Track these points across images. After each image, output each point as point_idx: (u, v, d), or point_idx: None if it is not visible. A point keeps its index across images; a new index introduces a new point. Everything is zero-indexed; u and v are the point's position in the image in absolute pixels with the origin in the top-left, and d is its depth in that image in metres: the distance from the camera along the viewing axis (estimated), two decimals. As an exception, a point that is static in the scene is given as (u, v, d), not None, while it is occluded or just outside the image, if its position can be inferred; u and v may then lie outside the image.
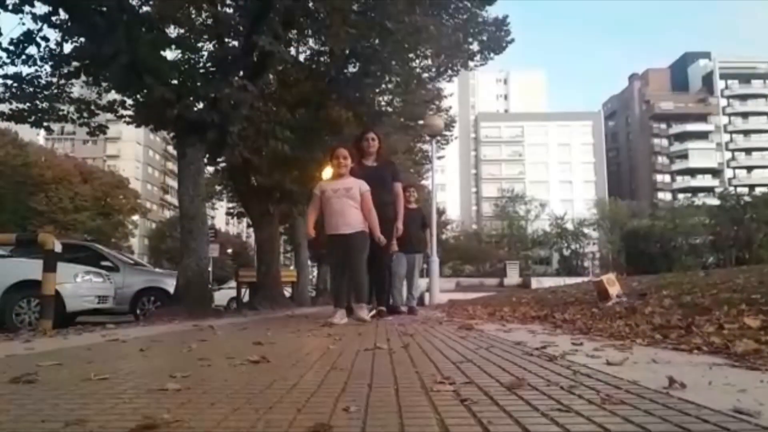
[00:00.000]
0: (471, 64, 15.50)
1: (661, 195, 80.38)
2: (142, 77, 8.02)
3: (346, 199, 4.99)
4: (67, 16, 8.62)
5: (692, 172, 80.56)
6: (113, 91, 10.24)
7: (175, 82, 8.83)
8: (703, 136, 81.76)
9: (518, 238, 66.29)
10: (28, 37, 9.09)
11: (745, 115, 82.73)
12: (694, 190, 74.63)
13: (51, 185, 40.20)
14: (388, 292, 6.30)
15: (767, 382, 1.53)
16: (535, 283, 37.42)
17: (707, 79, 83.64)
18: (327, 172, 5.62)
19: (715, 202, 56.02)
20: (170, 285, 9.60)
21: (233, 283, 17.80)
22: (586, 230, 63.68)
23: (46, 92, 9.85)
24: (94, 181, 44.67)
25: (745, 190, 63.31)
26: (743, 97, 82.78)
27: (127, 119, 10.97)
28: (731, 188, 64.41)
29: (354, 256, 5.00)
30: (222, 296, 18.40)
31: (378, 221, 5.15)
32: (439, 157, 22.56)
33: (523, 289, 24.63)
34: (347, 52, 11.27)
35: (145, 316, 9.23)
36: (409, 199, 7.07)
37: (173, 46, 9.86)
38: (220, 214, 35.70)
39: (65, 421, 1.18)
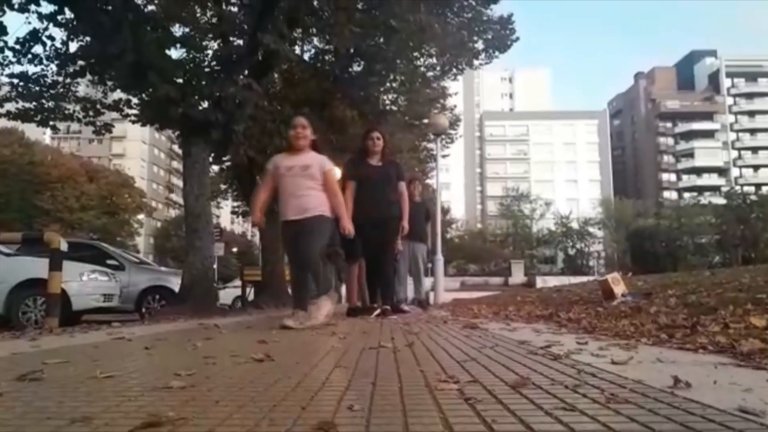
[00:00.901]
0: (476, 62, 15.47)
1: (666, 194, 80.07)
2: (147, 76, 8.05)
3: (301, 179, 4.13)
4: (72, 15, 8.67)
5: (698, 171, 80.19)
6: (119, 90, 10.30)
7: (180, 80, 8.87)
8: (709, 134, 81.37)
9: (523, 237, 66.18)
10: (34, 37, 9.15)
11: (751, 113, 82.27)
12: (700, 189, 74.30)
13: (57, 184, 40.43)
14: (392, 291, 6.30)
15: (773, 382, 1.52)
16: (540, 282, 37.36)
17: (713, 78, 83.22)
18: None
19: (721, 201, 55.75)
20: (175, 284, 9.63)
21: (238, 282, 17.80)
22: (591, 229, 63.49)
23: (52, 91, 9.91)
24: (99, 179, 44.92)
25: (752, 189, 63.05)
26: (750, 96, 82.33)
27: (133, 118, 11.02)
28: (737, 187, 64.04)
29: (304, 239, 4.08)
30: (227, 295, 18.38)
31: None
32: (444, 156, 22.50)
33: (528, 288, 24.55)
34: (352, 50, 11.29)
35: (150, 314, 9.26)
36: (413, 192, 7.11)
37: (178, 45, 9.90)
38: (225, 213, 35.74)
39: (71, 418, 1.19)
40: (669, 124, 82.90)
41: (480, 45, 14.61)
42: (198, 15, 11.45)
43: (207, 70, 10.12)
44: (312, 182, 4.14)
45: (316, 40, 13.02)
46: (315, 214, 4.11)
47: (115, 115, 11.23)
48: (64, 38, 9.42)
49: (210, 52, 11.18)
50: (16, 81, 9.68)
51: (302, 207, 4.11)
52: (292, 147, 4.26)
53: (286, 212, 4.19)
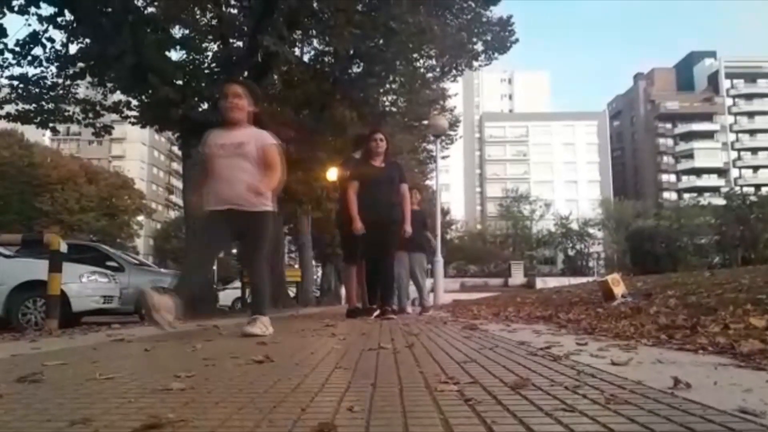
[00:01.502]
0: (475, 64, 15.51)
1: (666, 195, 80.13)
2: (147, 78, 8.06)
3: (236, 160, 3.42)
4: (72, 17, 8.68)
5: (698, 172, 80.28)
6: (118, 92, 10.30)
7: (179, 82, 8.89)
8: (708, 135, 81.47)
9: (523, 238, 66.24)
10: (34, 39, 9.16)
11: (750, 114, 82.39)
12: (700, 190, 74.34)
13: (56, 186, 40.38)
14: (392, 292, 6.30)
15: (773, 383, 1.52)
16: (540, 283, 37.42)
17: (713, 79, 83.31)
18: (332, 173, 5.39)
19: (721, 201, 55.75)
20: (175, 285, 9.62)
21: (238, 284, 17.83)
22: (590, 230, 63.58)
23: (51, 93, 9.92)
24: (99, 181, 44.84)
25: (751, 189, 63.06)
26: (749, 97, 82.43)
27: (132, 120, 11.03)
28: (737, 188, 64.06)
29: (252, 250, 3.53)
30: (227, 296, 18.43)
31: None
32: (444, 157, 22.55)
33: (528, 289, 24.58)
34: (351, 52, 11.28)
35: (150, 316, 9.24)
36: (412, 201, 7.08)
37: (178, 47, 9.91)
38: (225, 215, 35.68)
39: (70, 420, 1.19)
40: (668, 125, 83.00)
41: (479, 46, 14.64)
42: (198, 17, 11.45)
43: (207, 71, 10.14)
44: (247, 163, 3.43)
45: (315, 42, 13.03)
46: (257, 208, 3.44)
47: (114, 116, 11.25)
48: (64, 40, 9.45)
49: (210, 53, 11.19)
50: (16, 83, 9.69)
51: (234, 196, 3.40)
52: (225, 120, 3.52)
53: (211, 199, 3.47)
